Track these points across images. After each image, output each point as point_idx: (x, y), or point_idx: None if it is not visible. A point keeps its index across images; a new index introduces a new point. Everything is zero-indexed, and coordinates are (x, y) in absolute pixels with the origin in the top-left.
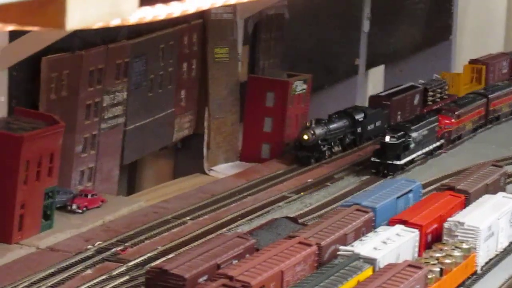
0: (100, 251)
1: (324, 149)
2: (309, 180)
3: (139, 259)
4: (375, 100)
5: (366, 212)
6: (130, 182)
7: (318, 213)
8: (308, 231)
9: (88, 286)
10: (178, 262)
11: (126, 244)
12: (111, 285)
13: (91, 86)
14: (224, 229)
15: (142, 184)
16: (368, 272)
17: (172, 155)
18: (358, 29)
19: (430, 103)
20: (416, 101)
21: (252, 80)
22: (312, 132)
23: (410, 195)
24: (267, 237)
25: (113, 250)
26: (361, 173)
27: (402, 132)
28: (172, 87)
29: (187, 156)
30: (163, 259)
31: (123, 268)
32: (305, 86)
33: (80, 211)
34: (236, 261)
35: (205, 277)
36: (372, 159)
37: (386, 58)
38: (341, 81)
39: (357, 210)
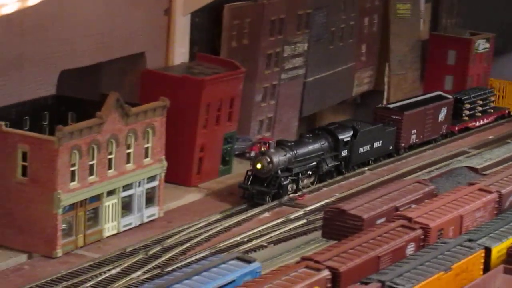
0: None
1: (286, 182)
2: (490, 137)
3: (316, 205)
4: (381, 113)
5: None
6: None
7: (499, 168)
8: (488, 179)
9: (264, 228)
10: (356, 204)
11: (304, 190)
12: (287, 228)
13: (272, 35)
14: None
15: None
16: None
17: (351, 110)
18: None
19: (466, 118)
20: (442, 116)
21: (434, 37)
22: (268, 159)
23: None
24: (446, 185)
25: (291, 195)
26: None
27: None
28: (353, 41)
29: (366, 112)
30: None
31: (300, 213)
32: (487, 45)
33: None
34: (415, 205)
35: (383, 219)
36: None
37: None
38: None
39: None
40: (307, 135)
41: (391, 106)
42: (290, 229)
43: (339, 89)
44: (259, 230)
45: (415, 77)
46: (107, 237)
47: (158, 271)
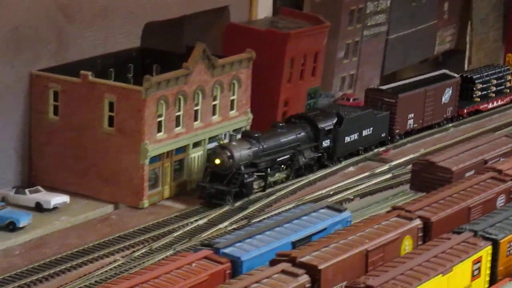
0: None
1: (250, 179)
2: None
3: (401, 160)
4: (373, 96)
5: None
6: None
7: None
8: None
9: (350, 182)
10: (445, 156)
11: (388, 146)
12: (373, 182)
13: None
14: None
15: None
16: None
17: (432, 69)
18: None
19: (477, 99)
20: (446, 98)
21: None
22: (228, 153)
23: None
24: None
25: (375, 151)
26: None
27: None
28: None
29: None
30: None
31: (385, 167)
32: None
33: None
34: (503, 158)
35: (471, 172)
36: None
37: None
38: None
39: None
40: (280, 124)
41: (384, 87)
42: (375, 183)
43: (421, 47)
44: (345, 184)
45: (497, 37)
46: (192, 189)
47: (245, 222)
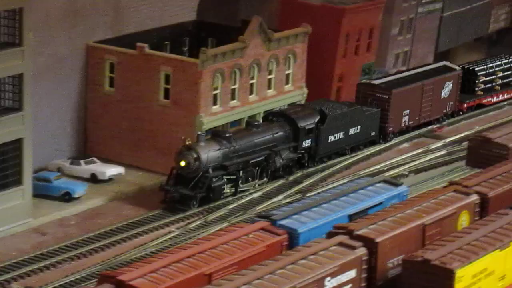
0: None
1: (218, 183)
2: None
3: (456, 136)
4: (364, 90)
5: None
6: None
7: None
8: None
9: (404, 158)
10: (501, 133)
11: (443, 123)
12: (428, 158)
13: None
14: None
15: None
16: None
17: (485, 47)
18: None
19: (480, 93)
20: (446, 92)
21: None
22: (194, 155)
23: None
24: None
25: (430, 127)
26: None
27: None
28: None
29: (501, 50)
30: None
31: (439, 144)
32: None
33: None
34: None
35: None
36: None
37: None
38: None
39: None
40: (255, 123)
41: (376, 82)
42: (430, 159)
43: (475, 25)
44: (399, 160)
45: None
46: None
47: (300, 196)
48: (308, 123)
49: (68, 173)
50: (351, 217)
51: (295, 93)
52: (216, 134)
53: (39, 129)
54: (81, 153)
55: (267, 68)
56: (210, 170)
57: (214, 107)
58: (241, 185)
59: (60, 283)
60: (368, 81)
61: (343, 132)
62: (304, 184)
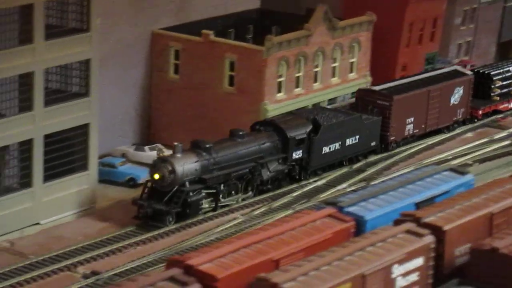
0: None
1: (195, 198)
2: None
3: None
4: (363, 97)
5: None
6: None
7: None
8: None
9: (468, 147)
10: None
11: (507, 113)
12: (492, 148)
13: None
14: None
15: None
16: None
17: None
18: None
19: (496, 98)
20: (455, 98)
21: None
22: (169, 167)
23: None
24: None
25: (493, 117)
26: None
27: None
28: None
29: None
30: None
31: (504, 134)
32: None
33: None
34: None
35: None
36: None
37: None
38: None
39: None
40: (240, 133)
41: (377, 88)
42: (494, 149)
43: None
44: (463, 149)
45: None
46: None
47: (364, 184)
48: (299, 133)
49: (133, 159)
50: (418, 205)
51: (359, 81)
52: (195, 145)
53: (104, 115)
54: (145, 139)
55: (332, 56)
56: (186, 183)
57: (278, 95)
58: (222, 200)
59: (126, 268)
60: (368, 87)
61: (339, 142)
62: (368, 172)
